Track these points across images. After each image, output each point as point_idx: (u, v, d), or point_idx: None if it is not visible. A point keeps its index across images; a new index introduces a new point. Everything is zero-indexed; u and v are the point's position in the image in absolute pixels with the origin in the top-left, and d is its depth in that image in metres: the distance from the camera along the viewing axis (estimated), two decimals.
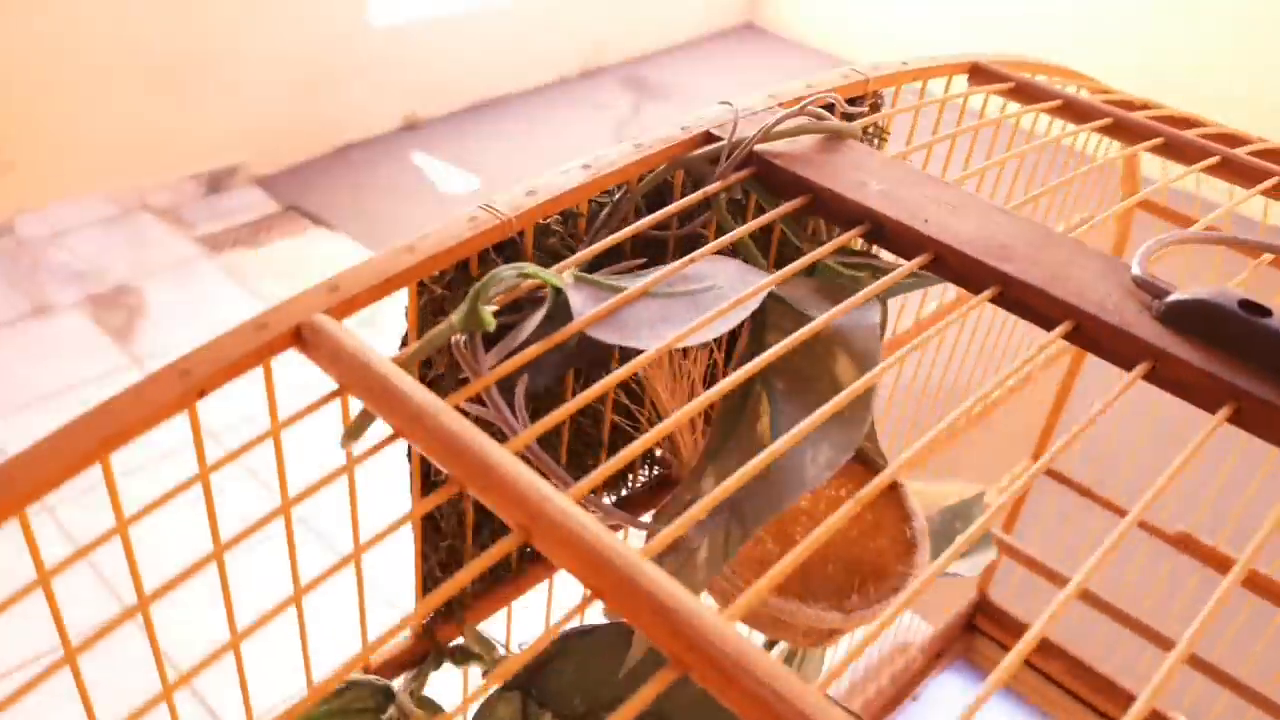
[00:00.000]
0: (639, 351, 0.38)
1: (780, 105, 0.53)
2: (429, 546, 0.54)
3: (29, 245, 2.25)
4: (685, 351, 0.54)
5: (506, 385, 0.42)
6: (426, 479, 0.50)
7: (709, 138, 0.50)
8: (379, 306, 0.43)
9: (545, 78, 3.07)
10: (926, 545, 0.60)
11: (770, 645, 0.70)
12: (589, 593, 0.31)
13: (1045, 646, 1.10)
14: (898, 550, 0.61)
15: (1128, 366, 0.40)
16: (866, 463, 0.59)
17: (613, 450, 0.61)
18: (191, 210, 2.45)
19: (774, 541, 0.56)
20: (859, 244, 0.53)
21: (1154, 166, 0.64)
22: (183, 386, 0.37)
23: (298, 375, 0.48)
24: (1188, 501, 1.16)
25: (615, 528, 0.53)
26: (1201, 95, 2.81)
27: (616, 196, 0.49)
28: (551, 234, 0.47)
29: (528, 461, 0.44)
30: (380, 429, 0.40)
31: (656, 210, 0.50)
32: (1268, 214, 0.84)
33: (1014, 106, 0.64)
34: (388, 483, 0.59)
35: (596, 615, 0.63)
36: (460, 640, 0.56)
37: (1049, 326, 0.42)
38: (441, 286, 0.44)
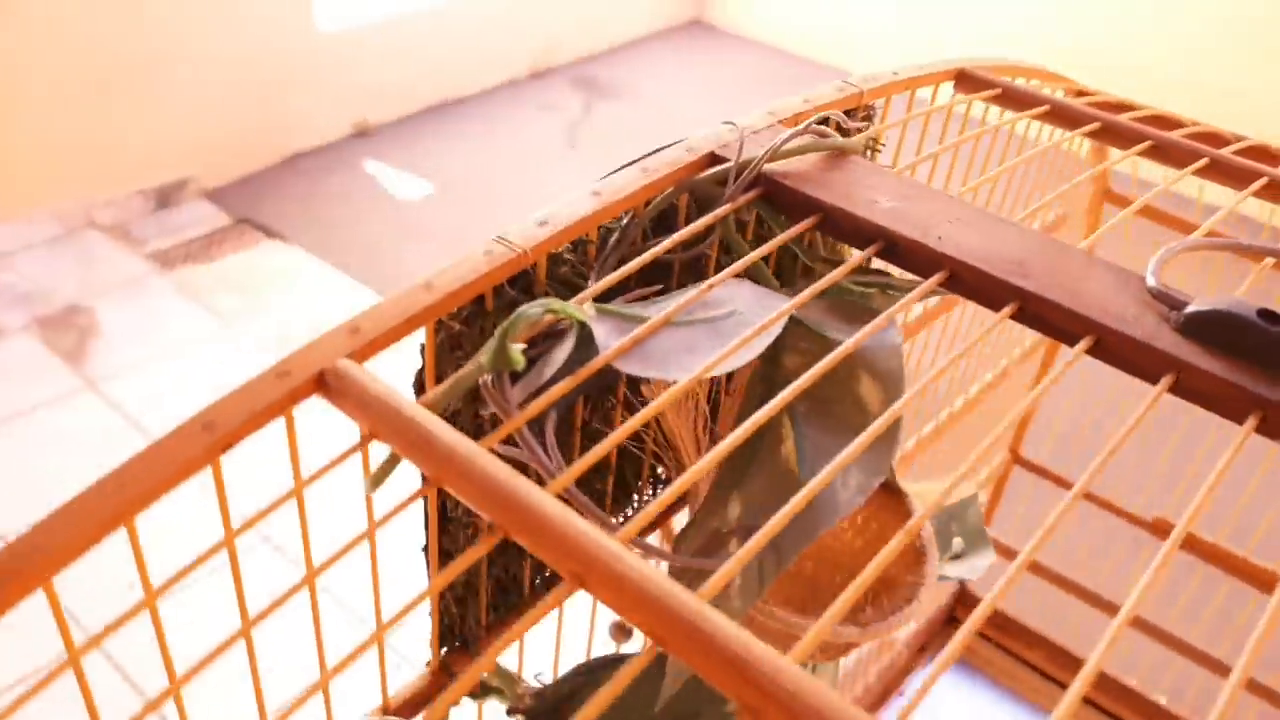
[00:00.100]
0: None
1: (781, 123, 0.53)
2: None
3: None
4: None
5: (535, 423, 0.41)
6: (443, 515, 0.49)
7: (714, 159, 0.49)
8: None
9: (495, 79, 3.05)
10: (935, 553, 0.60)
11: None
12: (649, 641, 0.31)
13: (1034, 639, 1.11)
14: (906, 559, 0.61)
15: (1150, 379, 0.40)
16: None
17: (617, 469, 0.60)
18: (140, 226, 2.40)
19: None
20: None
21: (1132, 163, 0.65)
22: (206, 441, 0.36)
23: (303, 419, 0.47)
24: (1184, 497, 1.19)
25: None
26: (1149, 76, 2.86)
27: (624, 221, 0.48)
28: (563, 263, 0.46)
29: (565, 501, 0.43)
30: (402, 469, 0.39)
31: (662, 232, 0.50)
32: (1258, 213, 0.85)
33: (997, 110, 0.64)
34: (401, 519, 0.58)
35: (605, 637, 0.62)
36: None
37: (1070, 341, 0.42)
38: (459, 322, 0.43)
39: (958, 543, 0.73)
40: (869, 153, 0.61)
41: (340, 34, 2.63)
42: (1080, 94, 0.70)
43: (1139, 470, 1.28)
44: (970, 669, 1.22)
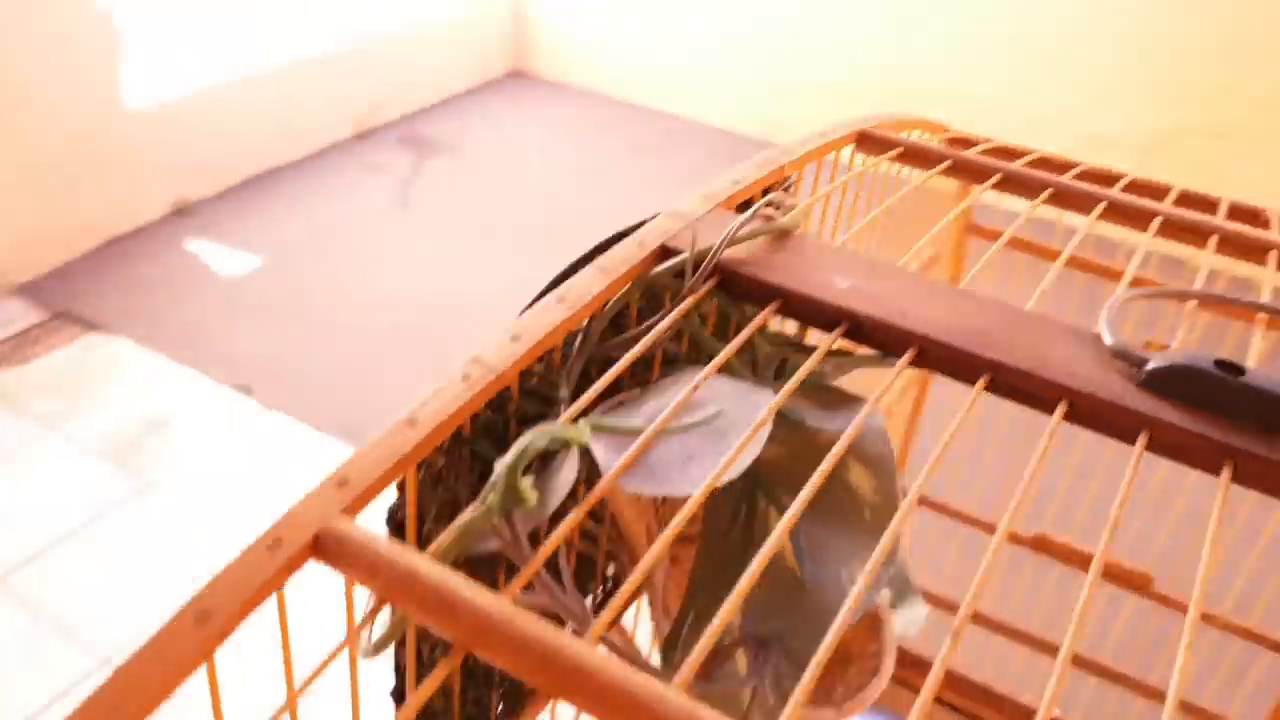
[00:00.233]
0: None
1: (719, 206, 0.53)
2: None
3: None
4: None
5: (551, 562, 0.39)
6: (420, 660, 0.46)
7: (665, 250, 0.49)
8: None
9: (319, 143, 2.96)
10: (891, 619, 0.60)
11: None
12: None
13: (963, 685, 1.14)
14: (865, 627, 0.61)
15: (1124, 437, 0.42)
16: None
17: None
18: None
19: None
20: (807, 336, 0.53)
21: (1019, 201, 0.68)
22: (202, 634, 0.33)
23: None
24: (1090, 521, 1.24)
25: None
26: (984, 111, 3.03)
27: (586, 324, 0.47)
28: (532, 375, 0.45)
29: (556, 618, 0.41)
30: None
31: (612, 330, 0.49)
32: (1113, 233, 0.90)
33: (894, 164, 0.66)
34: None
35: None
36: None
37: (1044, 407, 0.43)
38: (441, 454, 0.41)
39: (885, 594, 0.74)
40: None
41: (150, 111, 2.51)
42: (962, 141, 0.73)
43: (1008, 488, 1.34)
44: (890, 714, 1.24)
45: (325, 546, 0.35)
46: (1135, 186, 0.65)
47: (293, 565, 0.35)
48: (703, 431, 0.41)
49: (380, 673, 1.52)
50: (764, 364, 0.50)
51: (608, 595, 0.62)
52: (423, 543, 0.43)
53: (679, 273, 0.48)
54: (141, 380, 2.12)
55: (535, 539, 0.51)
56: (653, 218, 0.54)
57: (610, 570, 0.62)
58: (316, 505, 0.36)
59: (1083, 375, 0.43)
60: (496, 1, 3.53)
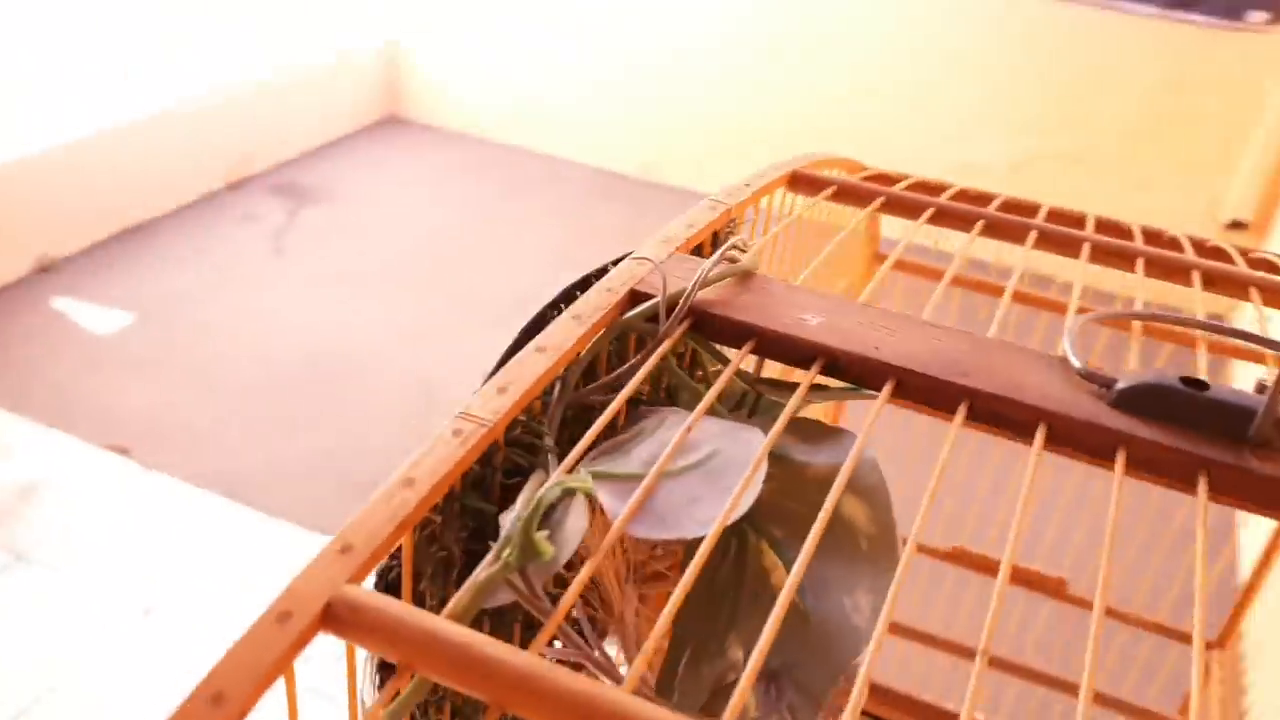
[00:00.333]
0: None
1: (676, 250, 0.53)
2: None
3: None
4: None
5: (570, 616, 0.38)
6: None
7: (635, 295, 0.49)
8: None
9: (189, 196, 2.87)
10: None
11: None
12: None
13: (888, 695, 1.15)
14: None
15: (1101, 456, 0.44)
16: None
17: None
18: None
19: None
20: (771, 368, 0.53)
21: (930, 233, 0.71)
22: (220, 718, 0.30)
23: None
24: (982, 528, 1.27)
25: None
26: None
27: (564, 372, 0.46)
28: (515, 425, 0.44)
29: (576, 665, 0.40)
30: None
31: (584, 376, 0.48)
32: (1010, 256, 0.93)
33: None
34: None
35: None
36: None
37: (1021, 431, 0.44)
38: (435, 512, 0.40)
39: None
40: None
41: (8, 167, 2.39)
42: (884, 177, 0.75)
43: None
44: None
45: (338, 616, 0.33)
46: (1055, 216, 0.68)
47: (304, 639, 0.33)
48: (703, 472, 0.41)
49: None
50: (740, 402, 0.50)
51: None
52: (416, 603, 0.42)
53: (650, 317, 0.48)
54: (9, 446, 2.00)
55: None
56: (614, 263, 0.54)
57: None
58: (322, 574, 0.35)
59: (1056, 398, 0.44)
60: (369, 47, 3.49)
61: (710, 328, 0.48)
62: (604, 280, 0.49)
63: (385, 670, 0.41)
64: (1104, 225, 0.69)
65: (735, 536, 0.46)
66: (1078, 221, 0.67)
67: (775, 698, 0.41)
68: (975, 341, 0.48)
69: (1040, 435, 0.43)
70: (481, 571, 0.35)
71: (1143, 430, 0.43)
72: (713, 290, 0.49)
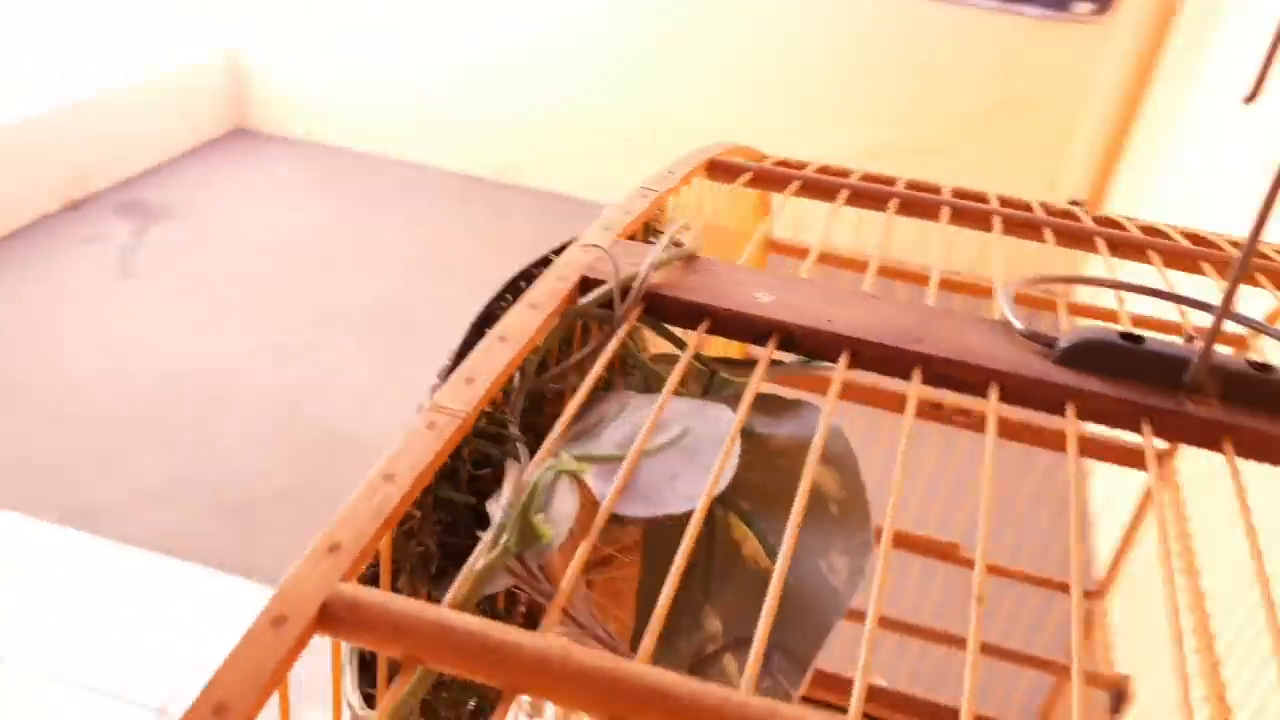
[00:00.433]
0: None
1: (618, 237, 0.53)
2: None
3: None
4: None
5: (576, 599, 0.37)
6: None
7: (587, 281, 0.48)
8: None
9: (24, 218, 2.70)
10: None
11: None
12: None
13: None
14: None
15: (1051, 410, 0.45)
16: None
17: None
18: None
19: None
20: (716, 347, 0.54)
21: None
22: None
23: None
24: None
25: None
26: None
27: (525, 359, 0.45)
28: (480, 415, 0.43)
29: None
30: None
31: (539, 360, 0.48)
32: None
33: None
34: None
35: None
36: None
37: (975, 392, 0.46)
38: (415, 507, 0.38)
39: None
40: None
41: None
42: (787, 164, 0.77)
43: None
44: None
45: (336, 615, 0.32)
46: (959, 194, 0.70)
47: (302, 642, 0.32)
48: (680, 451, 0.41)
49: None
50: (694, 380, 0.51)
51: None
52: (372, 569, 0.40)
53: (603, 303, 0.47)
54: None
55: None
56: (555, 253, 0.54)
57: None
58: (313, 575, 0.33)
59: (1005, 358, 0.46)
60: (212, 58, 3.36)
61: (663, 310, 0.48)
62: (553, 268, 0.49)
63: (365, 672, 0.39)
64: (1006, 202, 0.72)
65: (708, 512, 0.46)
66: (980, 198, 0.69)
67: (763, 664, 0.41)
68: (922, 310, 0.49)
69: (994, 394, 0.45)
70: (479, 559, 0.34)
71: (1088, 384, 0.45)
72: (661, 274, 0.49)
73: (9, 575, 1.74)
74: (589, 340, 0.52)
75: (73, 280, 2.57)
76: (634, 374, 0.51)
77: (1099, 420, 0.45)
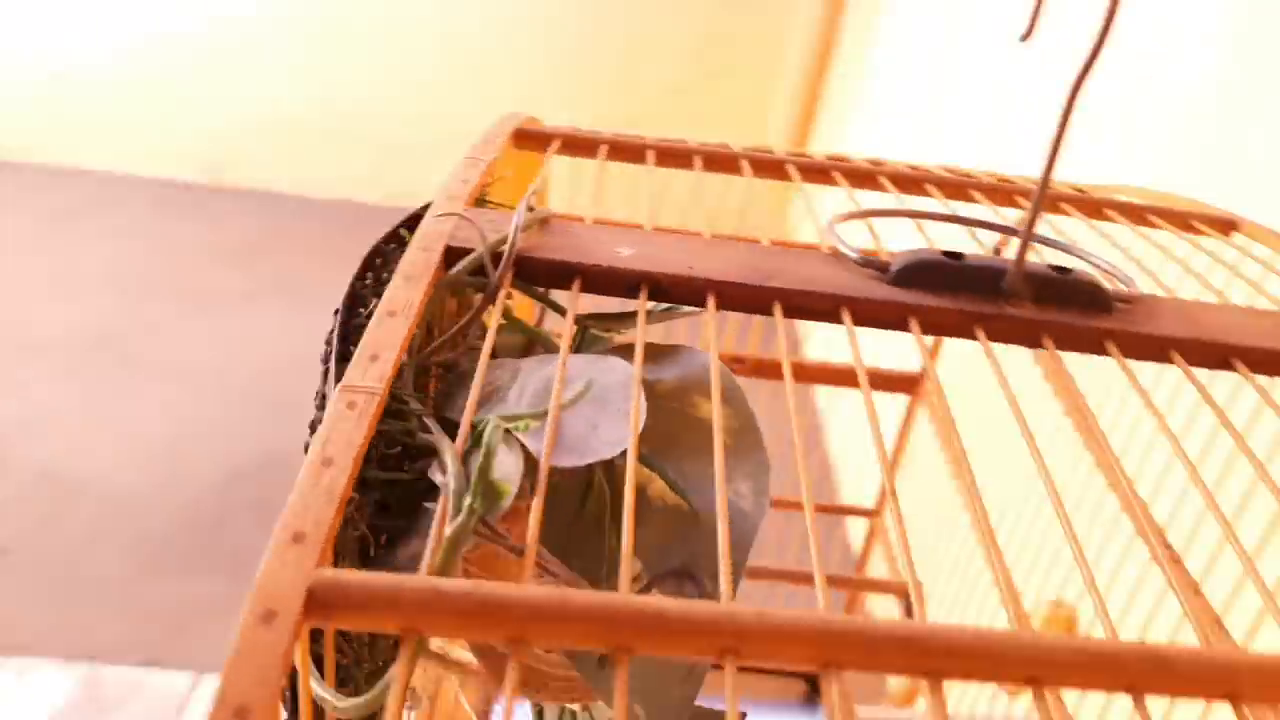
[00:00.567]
0: None
1: (467, 205, 0.53)
2: None
3: None
4: None
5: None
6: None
7: (451, 251, 0.49)
8: None
9: None
10: None
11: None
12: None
13: None
14: None
15: (898, 327, 0.50)
16: None
17: None
18: None
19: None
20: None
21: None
22: None
23: None
24: None
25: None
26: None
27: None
28: None
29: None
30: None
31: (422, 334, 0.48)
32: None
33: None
34: None
35: None
36: None
37: (829, 318, 0.50)
38: (356, 490, 0.38)
39: None
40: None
41: None
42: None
43: None
44: None
45: (325, 600, 0.31)
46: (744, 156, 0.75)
47: (296, 632, 0.31)
48: (588, 402, 0.43)
49: None
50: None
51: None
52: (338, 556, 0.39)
53: (475, 270, 0.48)
54: None
55: None
56: (404, 225, 0.53)
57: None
58: (287, 566, 0.32)
59: (849, 285, 0.50)
60: None
61: (532, 273, 0.49)
62: (416, 240, 0.48)
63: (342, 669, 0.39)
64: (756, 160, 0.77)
65: (600, 465, 0.48)
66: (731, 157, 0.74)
67: (693, 591, 0.44)
68: (766, 250, 0.53)
69: (847, 318, 0.49)
70: (447, 526, 0.34)
71: (924, 300, 0.50)
72: (521, 238, 0.50)
73: None
74: (455, 310, 0.53)
75: None
76: (513, 339, 0.52)
77: (938, 332, 0.50)
